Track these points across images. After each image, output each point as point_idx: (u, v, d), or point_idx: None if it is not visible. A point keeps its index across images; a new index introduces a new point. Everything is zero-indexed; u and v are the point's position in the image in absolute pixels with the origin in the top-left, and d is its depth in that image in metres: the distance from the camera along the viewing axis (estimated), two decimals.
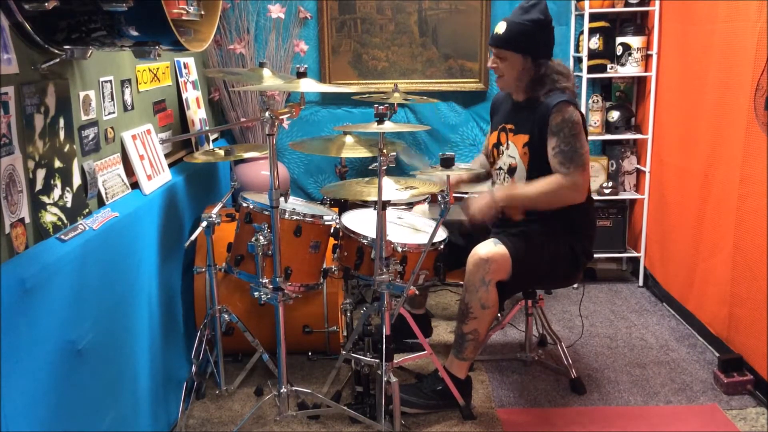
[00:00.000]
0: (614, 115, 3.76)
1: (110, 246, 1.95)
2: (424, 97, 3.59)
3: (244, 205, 2.54)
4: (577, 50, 3.82)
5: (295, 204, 2.73)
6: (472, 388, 2.66)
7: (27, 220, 1.61)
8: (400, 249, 2.50)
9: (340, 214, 2.79)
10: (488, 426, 2.51)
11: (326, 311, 2.87)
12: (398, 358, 2.49)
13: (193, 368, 2.64)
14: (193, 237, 2.55)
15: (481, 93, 3.92)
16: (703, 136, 3.04)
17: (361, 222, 2.68)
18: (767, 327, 2.52)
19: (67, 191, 1.81)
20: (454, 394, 2.53)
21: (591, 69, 3.69)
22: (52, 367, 1.61)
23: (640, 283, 3.84)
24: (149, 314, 2.32)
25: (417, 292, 2.41)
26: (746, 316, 2.68)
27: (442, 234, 2.64)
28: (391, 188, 2.31)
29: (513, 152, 2.63)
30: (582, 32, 3.71)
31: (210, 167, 3.28)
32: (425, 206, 3.04)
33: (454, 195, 3.03)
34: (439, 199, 2.31)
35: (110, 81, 2.18)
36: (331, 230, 2.67)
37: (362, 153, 2.63)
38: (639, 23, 3.69)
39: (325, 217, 2.60)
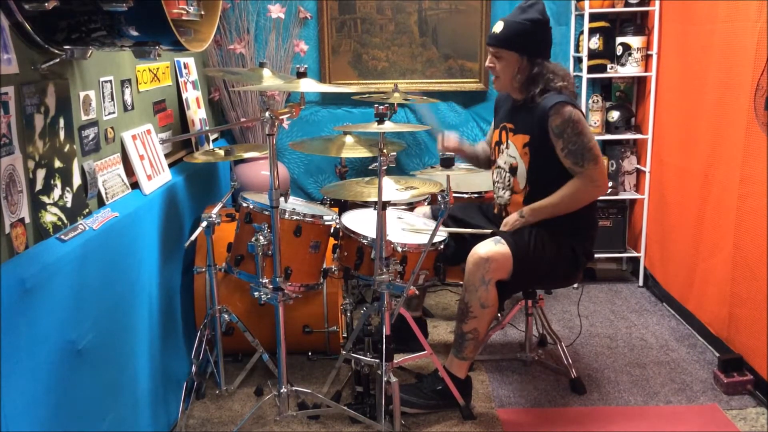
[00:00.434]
0: (614, 115, 3.76)
1: (110, 246, 1.95)
2: (424, 97, 3.59)
3: (244, 205, 2.54)
4: (577, 50, 3.82)
5: (295, 204, 2.73)
6: (472, 388, 2.66)
7: (27, 220, 1.61)
8: (400, 249, 2.50)
9: (340, 214, 2.79)
10: (488, 426, 2.51)
11: (326, 311, 2.87)
12: (398, 358, 2.49)
13: (193, 368, 2.64)
14: (193, 237, 2.55)
15: (481, 93, 3.92)
16: (703, 136, 3.04)
17: (361, 222, 2.68)
18: (767, 327, 2.52)
19: (67, 191, 1.81)
20: (454, 393, 2.53)
21: (591, 69, 3.69)
22: (52, 367, 1.61)
23: (640, 283, 3.84)
24: (149, 314, 2.32)
25: (417, 292, 2.41)
26: (746, 316, 2.68)
27: (442, 234, 2.64)
28: (391, 188, 2.31)
29: (513, 152, 2.63)
30: (582, 32, 3.71)
31: (210, 167, 3.28)
32: (427, 209, 3.04)
33: (454, 195, 3.03)
34: (439, 199, 2.31)
35: (110, 81, 2.18)
36: (331, 230, 2.67)
37: (362, 153, 2.63)
38: (639, 23, 3.69)
39: (325, 217, 2.60)
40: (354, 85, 3.87)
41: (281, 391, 2.37)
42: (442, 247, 2.60)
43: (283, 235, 2.41)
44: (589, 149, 2.50)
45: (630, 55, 3.63)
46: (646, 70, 3.65)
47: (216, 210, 2.59)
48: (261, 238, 2.36)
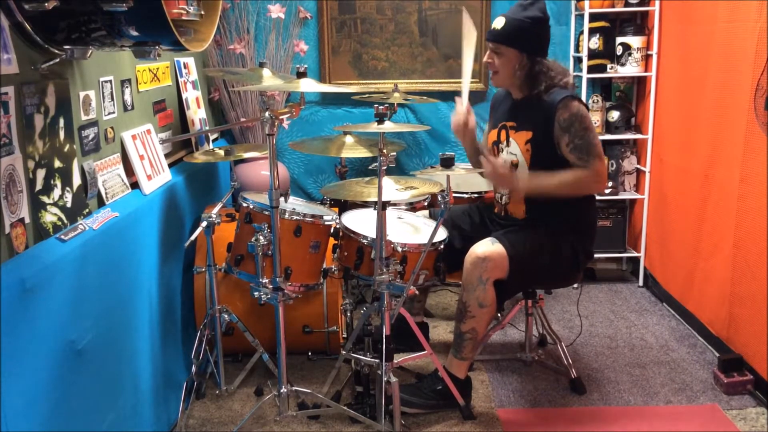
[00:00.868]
0: (614, 115, 3.76)
1: (110, 246, 1.95)
2: (424, 97, 3.59)
3: (244, 205, 2.54)
4: (577, 50, 3.82)
5: (295, 204, 2.73)
6: (471, 388, 2.66)
7: (27, 220, 1.61)
8: (400, 249, 2.50)
9: (340, 214, 2.79)
10: (488, 426, 2.51)
11: (326, 311, 2.87)
12: (398, 358, 2.49)
13: (193, 368, 2.64)
14: (193, 237, 2.55)
15: (481, 93, 3.92)
16: (703, 136, 3.04)
17: (361, 222, 2.68)
18: (767, 327, 2.52)
19: (67, 191, 1.81)
20: (454, 393, 2.53)
21: (591, 69, 3.69)
22: (52, 367, 1.61)
23: (640, 283, 3.84)
24: (149, 314, 2.32)
25: (417, 292, 2.41)
26: (746, 316, 2.68)
27: (442, 234, 2.64)
28: (391, 188, 2.31)
29: (515, 149, 2.63)
30: (582, 32, 3.71)
31: (210, 167, 3.28)
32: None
33: (454, 195, 3.03)
34: (439, 199, 2.31)
35: (110, 81, 2.18)
36: (331, 230, 2.67)
37: (362, 153, 2.63)
38: (639, 23, 3.69)
39: (325, 217, 2.60)
40: (354, 85, 3.87)
41: (281, 391, 2.37)
42: (442, 247, 2.60)
43: (283, 235, 2.41)
44: (594, 145, 2.51)
45: (630, 55, 3.63)
46: (646, 70, 3.65)
47: (216, 210, 2.59)
48: (261, 238, 2.36)
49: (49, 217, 1.70)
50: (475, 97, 3.94)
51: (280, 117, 2.29)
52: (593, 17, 3.65)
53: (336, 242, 2.75)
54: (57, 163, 1.76)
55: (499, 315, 3.19)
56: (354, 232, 2.56)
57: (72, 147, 1.85)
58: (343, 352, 2.64)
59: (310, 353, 2.99)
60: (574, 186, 2.52)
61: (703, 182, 3.04)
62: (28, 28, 1.62)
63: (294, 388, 2.43)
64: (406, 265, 2.49)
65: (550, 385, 2.82)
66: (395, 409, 2.32)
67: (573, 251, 2.58)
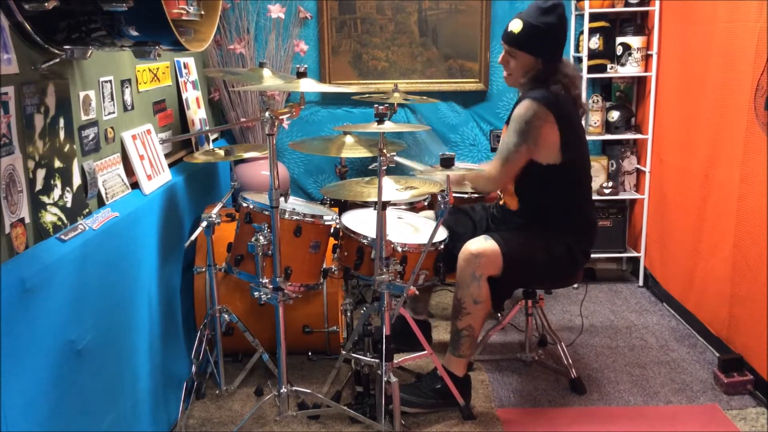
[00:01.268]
0: (614, 115, 3.76)
1: (110, 246, 1.95)
2: (424, 97, 3.59)
3: (244, 205, 2.54)
4: (577, 50, 3.81)
5: (295, 204, 2.73)
6: (471, 387, 2.66)
7: (27, 220, 1.61)
8: (400, 249, 2.50)
9: (340, 214, 2.79)
10: (488, 426, 2.51)
11: (326, 311, 2.87)
12: (398, 358, 2.49)
13: (193, 368, 2.64)
14: (193, 237, 2.55)
15: (481, 93, 3.92)
16: (703, 136, 3.04)
17: (361, 222, 2.68)
18: (767, 327, 2.52)
19: (67, 191, 1.81)
20: (453, 392, 2.53)
21: (591, 69, 3.69)
22: (52, 367, 1.61)
23: (640, 283, 3.84)
24: (149, 314, 2.32)
25: (417, 292, 2.41)
26: (746, 316, 2.68)
27: (442, 234, 2.64)
28: (391, 188, 2.31)
29: None
30: (582, 32, 3.71)
31: (210, 167, 3.28)
32: (430, 213, 3.04)
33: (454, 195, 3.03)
34: (439, 199, 2.31)
35: (110, 81, 2.18)
36: (331, 230, 2.67)
37: (362, 153, 2.63)
38: (639, 23, 3.69)
39: (325, 217, 2.60)
40: (354, 85, 3.87)
41: (281, 391, 2.37)
42: (442, 247, 2.60)
43: (283, 235, 2.41)
44: (508, 149, 2.52)
45: (630, 55, 3.63)
46: (646, 70, 3.65)
47: (216, 210, 2.59)
48: (261, 238, 2.36)
49: (49, 217, 1.70)
50: (476, 97, 3.94)
51: (280, 117, 2.29)
52: (593, 17, 3.65)
53: (336, 242, 2.75)
54: (57, 163, 1.76)
55: (499, 315, 3.19)
56: (354, 232, 2.56)
57: (72, 147, 1.85)
58: (343, 352, 2.64)
59: (310, 353, 2.98)
60: (477, 177, 2.65)
61: (703, 182, 3.04)
62: (28, 28, 1.62)
63: (294, 388, 2.43)
64: (406, 265, 2.49)
65: (550, 385, 2.82)
66: (395, 409, 2.32)
67: (569, 251, 2.57)
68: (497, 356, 3.04)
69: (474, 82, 3.89)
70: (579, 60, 3.77)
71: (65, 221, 1.77)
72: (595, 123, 3.73)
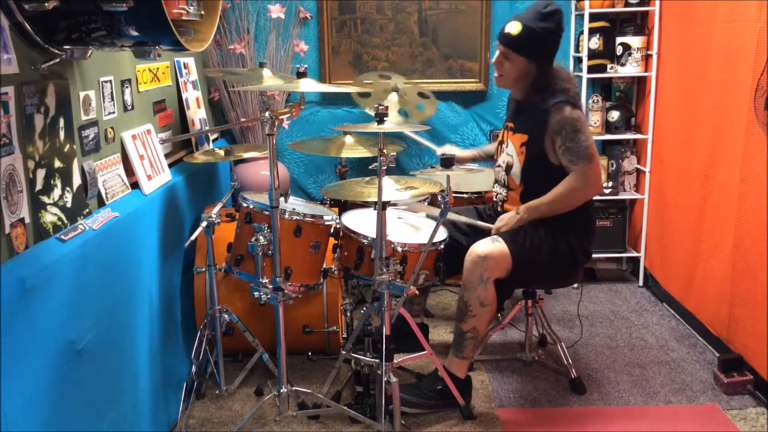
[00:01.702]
0: (614, 115, 3.76)
1: (110, 246, 1.95)
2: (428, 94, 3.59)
3: (244, 205, 2.54)
4: (577, 50, 3.82)
5: (295, 204, 2.73)
6: (472, 387, 2.66)
7: (27, 220, 1.61)
8: (400, 249, 2.50)
9: (340, 214, 2.79)
10: (488, 426, 2.51)
11: (326, 311, 2.87)
12: (398, 358, 2.49)
13: (193, 368, 2.64)
14: (193, 237, 2.55)
15: (481, 93, 3.92)
16: (703, 136, 3.04)
17: (361, 222, 2.68)
18: (767, 327, 2.52)
19: (67, 191, 1.81)
20: (454, 393, 2.53)
21: (591, 69, 3.69)
22: (52, 367, 1.61)
23: (640, 283, 3.84)
24: (149, 314, 2.32)
25: (417, 292, 2.41)
26: (746, 316, 2.68)
27: (442, 234, 2.64)
28: (391, 188, 2.31)
29: (511, 150, 2.64)
30: (582, 32, 3.71)
31: (210, 167, 3.28)
32: (424, 205, 3.04)
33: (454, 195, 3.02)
34: (439, 199, 2.31)
35: (110, 81, 2.18)
36: (331, 230, 2.67)
37: (362, 153, 2.63)
38: (639, 23, 3.69)
39: (325, 217, 2.60)
40: (354, 85, 3.87)
41: (281, 391, 2.37)
42: (442, 247, 2.60)
43: (283, 235, 2.41)
44: (585, 148, 2.50)
45: (630, 55, 3.63)
46: (646, 70, 3.65)
47: (216, 210, 2.59)
48: (261, 238, 2.36)
49: (49, 217, 1.70)
50: (476, 97, 3.94)
51: (280, 117, 2.29)
52: (593, 17, 3.65)
53: (336, 242, 2.75)
54: (57, 163, 1.76)
55: (499, 315, 3.19)
56: (354, 232, 2.56)
57: (72, 147, 1.85)
58: (343, 352, 2.64)
59: (310, 353, 2.99)
60: (569, 196, 2.53)
61: (703, 182, 3.04)
62: (28, 28, 1.62)
63: (294, 388, 2.43)
64: (406, 265, 2.49)
65: (550, 385, 2.82)
66: (395, 409, 2.32)
67: (570, 249, 2.58)
68: (497, 356, 3.04)
69: (474, 82, 3.89)
70: (579, 60, 3.77)
71: (65, 221, 1.77)
72: (595, 123, 3.73)
